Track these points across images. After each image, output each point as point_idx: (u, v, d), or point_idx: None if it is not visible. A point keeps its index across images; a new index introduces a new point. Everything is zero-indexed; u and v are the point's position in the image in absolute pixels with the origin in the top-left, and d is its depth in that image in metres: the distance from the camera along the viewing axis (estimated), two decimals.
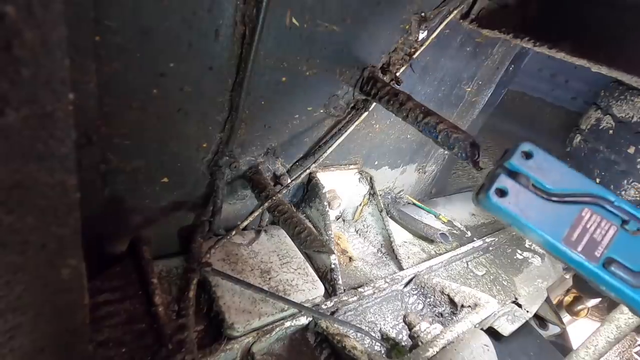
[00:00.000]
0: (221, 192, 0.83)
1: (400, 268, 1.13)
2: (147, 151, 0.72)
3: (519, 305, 1.34)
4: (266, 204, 0.80)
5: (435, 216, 1.53)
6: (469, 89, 1.27)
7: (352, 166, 1.16)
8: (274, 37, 0.72)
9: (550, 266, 1.56)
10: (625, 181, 1.37)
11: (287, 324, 0.80)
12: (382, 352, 0.88)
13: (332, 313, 0.90)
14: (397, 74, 0.93)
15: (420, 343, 0.79)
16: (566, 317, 2.16)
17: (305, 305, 0.82)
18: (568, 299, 2.20)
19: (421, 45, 0.93)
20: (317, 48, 0.79)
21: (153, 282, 0.65)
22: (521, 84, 2.64)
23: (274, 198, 0.81)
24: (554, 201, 0.52)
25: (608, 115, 1.47)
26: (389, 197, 1.44)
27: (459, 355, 0.72)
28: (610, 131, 1.47)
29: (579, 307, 2.15)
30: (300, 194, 1.12)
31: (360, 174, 1.19)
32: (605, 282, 0.50)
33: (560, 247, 0.51)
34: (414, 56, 0.94)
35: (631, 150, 1.35)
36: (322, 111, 0.93)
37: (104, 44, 0.56)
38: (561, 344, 1.74)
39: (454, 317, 0.96)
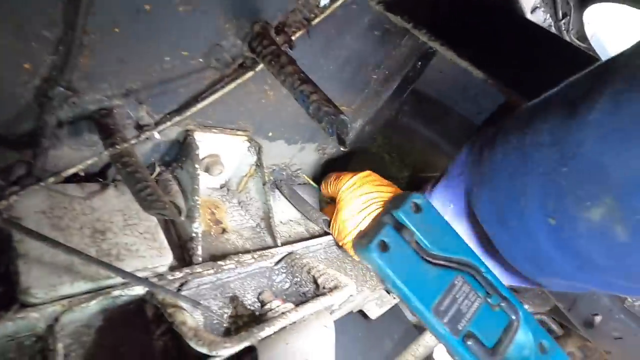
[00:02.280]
0: (49, 130, 0.67)
1: (275, 245, 1.09)
2: None
3: (388, 292, 1.42)
4: (106, 152, 0.67)
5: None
6: (375, 76, 1.27)
7: (240, 132, 1.07)
8: None
9: None
10: None
11: (116, 292, 0.69)
12: (231, 329, 0.83)
13: (181, 285, 0.82)
14: (293, 38, 0.85)
15: (265, 321, 0.76)
16: None
17: (143, 274, 0.72)
18: None
19: (321, 13, 0.87)
20: None
21: None
22: (436, 90, 2.79)
23: (119, 146, 0.68)
24: (431, 263, 0.48)
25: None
26: (284, 173, 1.39)
27: (296, 334, 0.70)
28: None
29: None
30: (174, 153, 0.99)
31: (250, 142, 1.11)
32: (461, 356, 0.48)
33: (428, 317, 0.48)
34: (313, 22, 0.88)
35: None
36: (201, 60, 0.81)
37: None
38: (423, 328, 1.93)
39: (315, 298, 0.95)
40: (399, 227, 0.52)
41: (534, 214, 0.49)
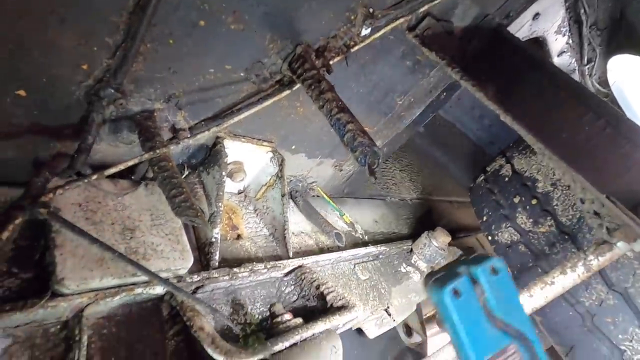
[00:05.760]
0: (95, 128, 0.71)
1: (287, 256, 1.11)
2: None
3: (389, 314, 1.44)
4: (147, 155, 0.70)
5: (339, 214, 1.55)
6: (400, 102, 1.29)
7: (265, 143, 1.10)
8: None
9: None
10: (504, 224, 1.54)
11: (139, 290, 0.72)
12: (240, 335, 0.85)
13: (197, 288, 0.84)
14: (331, 62, 0.88)
15: (276, 334, 0.78)
16: (434, 329, 2.40)
17: (165, 274, 0.75)
18: None
19: (362, 41, 0.90)
20: (249, 3, 0.71)
21: None
22: (453, 116, 2.83)
23: (158, 151, 0.71)
24: (492, 324, 0.53)
25: (508, 165, 1.63)
26: (300, 185, 1.42)
27: (306, 353, 0.72)
28: (506, 179, 1.64)
29: None
30: (201, 157, 1.02)
31: (273, 153, 1.14)
32: None
33: None
34: (353, 49, 0.91)
35: (516, 199, 1.52)
36: (242, 75, 0.85)
37: None
38: (418, 352, 1.94)
39: (321, 315, 0.97)
40: (473, 281, 0.57)
41: None
